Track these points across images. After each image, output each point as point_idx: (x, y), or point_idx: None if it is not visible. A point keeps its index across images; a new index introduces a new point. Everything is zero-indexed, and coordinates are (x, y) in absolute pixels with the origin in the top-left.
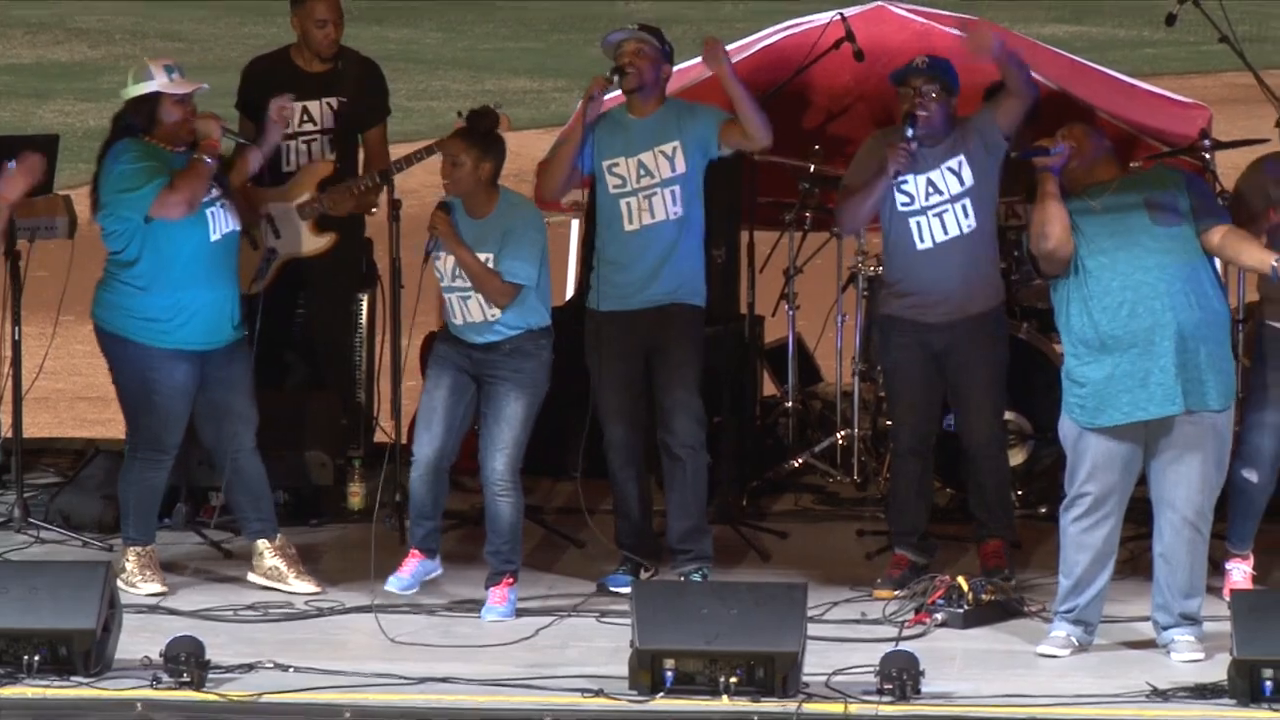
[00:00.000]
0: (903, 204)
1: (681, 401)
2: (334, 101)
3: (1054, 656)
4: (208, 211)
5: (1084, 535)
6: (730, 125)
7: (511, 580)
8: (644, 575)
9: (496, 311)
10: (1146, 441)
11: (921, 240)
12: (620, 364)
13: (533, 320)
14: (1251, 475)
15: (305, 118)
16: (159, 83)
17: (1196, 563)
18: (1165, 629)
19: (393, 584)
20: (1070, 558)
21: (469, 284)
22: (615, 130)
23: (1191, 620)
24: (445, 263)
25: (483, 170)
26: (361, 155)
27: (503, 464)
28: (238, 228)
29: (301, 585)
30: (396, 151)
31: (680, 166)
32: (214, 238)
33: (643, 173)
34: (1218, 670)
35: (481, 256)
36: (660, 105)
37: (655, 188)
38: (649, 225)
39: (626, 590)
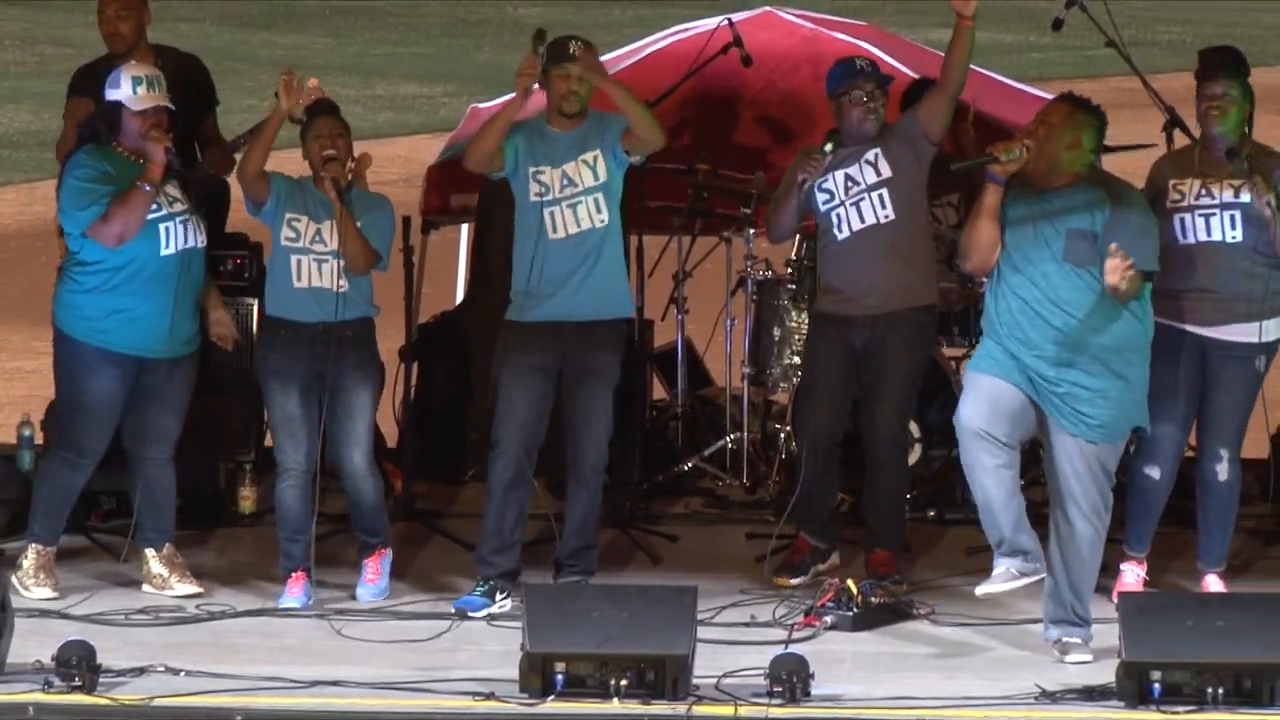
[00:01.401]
0: (824, 201)
1: (596, 421)
2: None
3: (993, 591)
4: (162, 226)
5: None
6: (628, 130)
7: (384, 550)
8: (499, 599)
9: (345, 284)
10: (1040, 426)
11: (840, 231)
12: (534, 375)
13: (371, 310)
14: (1153, 472)
15: None
16: (123, 94)
17: (1091, 561)
18: (1055, 624)
19: (289, 602)
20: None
21: (326, 249)
22: (537, 140)
23: (1082, 621)
24: (305, 226)
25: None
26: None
27: (361, 457)
28: (199, 244)
29: (184, 588)
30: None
31: (602, 175)
32: (165, 251)
33: (567, 182)
34: (1106, 672)
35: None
36: (582, 119)
37: (580, 196)
38: (575, 234)
39: (480, 614)
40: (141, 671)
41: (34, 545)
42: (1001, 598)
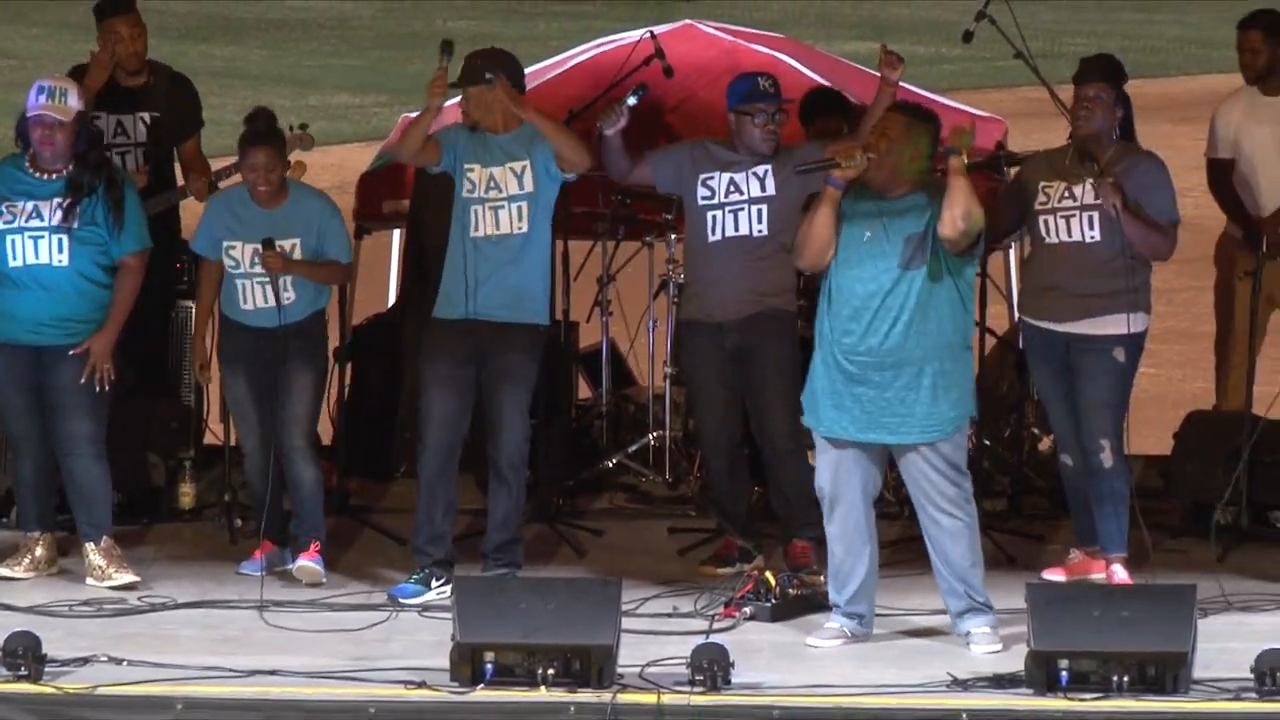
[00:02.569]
0: (703, 198)
1: (511, 420)
2: (146, 116)
3: (817, 647)
4: (10, 238)
5: (837, 529)
6: (556, 152)
7: (317, 544)
8: (435, 586)
9: (291, 295)
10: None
11: (714, 233)
12: (453, 372)
13: (321, 301)
14: (1066, 459)
15: (119, 130)
16: (29, 102)
17: (969, 550)
18: (960, 617)
19: (247, 568)
20: (829, 549)
21: (502, 194)
22: (475, 139)
23: (984, 606)
24: (242, 251)
25: (282, 169)
26: (179, 168)
27: (302, 437)
28: (59, 263)
29: (122, 577)
30: (217, 164)
31: (529, 185)
32: (13, 264)
33: (492, 185)
34: (1015, 661)
35: (287, 243)
36: (519, 124)
37: (503, 202)
38: (495, 236)
39: (415, 600)
40: (85, 661)
41: (23, 533)
42: (914, 589)
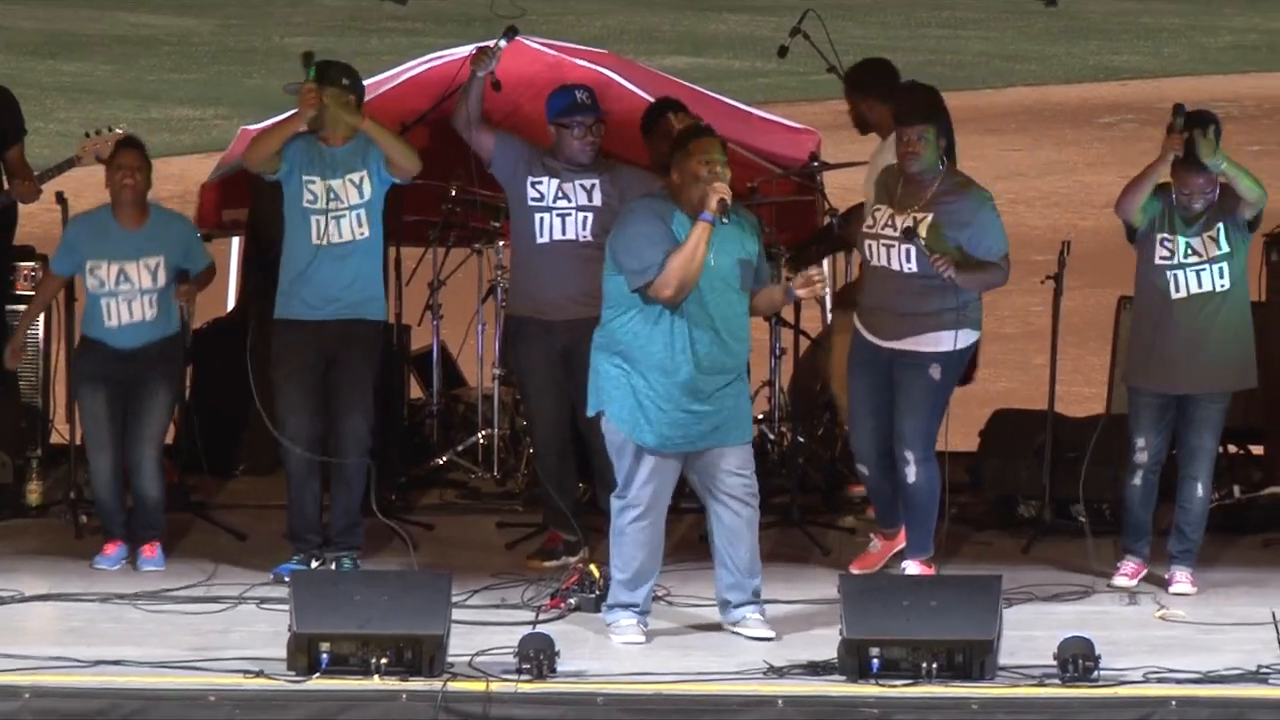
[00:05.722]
0: (532, 199)
1: (354, 414)
2: None
3: (634, 643)
4: None
5: (645, 534)
6: (388, 159)
7: (159, 541)
8: (315, 565)
9: (154, 311)
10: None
11: (541, 235)
12: (304, 372)
13: (175, 325)
14: (863, 469)
15: None
16: None
17: (755, 542)
18: (737, 607)
19: (101, 563)
20: (630, 554)
21: (134, 287)
22: (313, 151)
23: (759, 599)
24: (106, 271)
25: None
26: (4, 175)
27: (154, 452)
28: None
29: None
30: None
31: (367, 194)
32: None
33: (332, 196)
34: (829, 649)
35: (151, 260)
36: (352, 137)
37: (344, 211)
38: (338, 243)
39: None
40: None
41: None
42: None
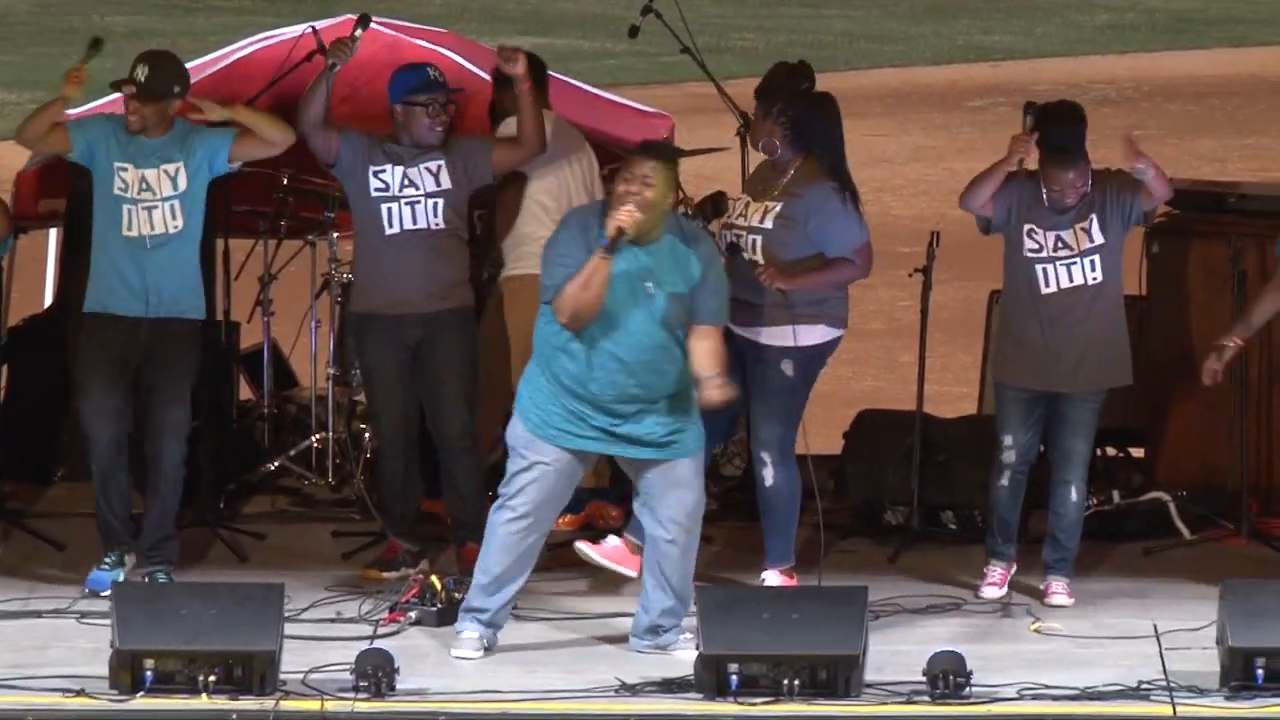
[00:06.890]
0: (376, 189)
1: (170, 417)
2: None
3: (469, 659)
4: None
5: (517, 539)
6: (243, 139)
7: None
8: (130, 564)
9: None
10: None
11: (390, 226)
12: (111, 367)
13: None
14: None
15: None
16: None
17: (690, 566)
18: (668, 631)
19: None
20: (496, 558)
21: (156, 196)
22: (123, 138)
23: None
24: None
25: None
26: None
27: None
28: None
29: None
30: None
31: (182, 185)
32: None
33: (144, 187)
34: (684, 666)
35: None
36: (169, 128)
37: (156, 203)
38: (149, 235)
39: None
40: None
41: None
42: (587, 593)
